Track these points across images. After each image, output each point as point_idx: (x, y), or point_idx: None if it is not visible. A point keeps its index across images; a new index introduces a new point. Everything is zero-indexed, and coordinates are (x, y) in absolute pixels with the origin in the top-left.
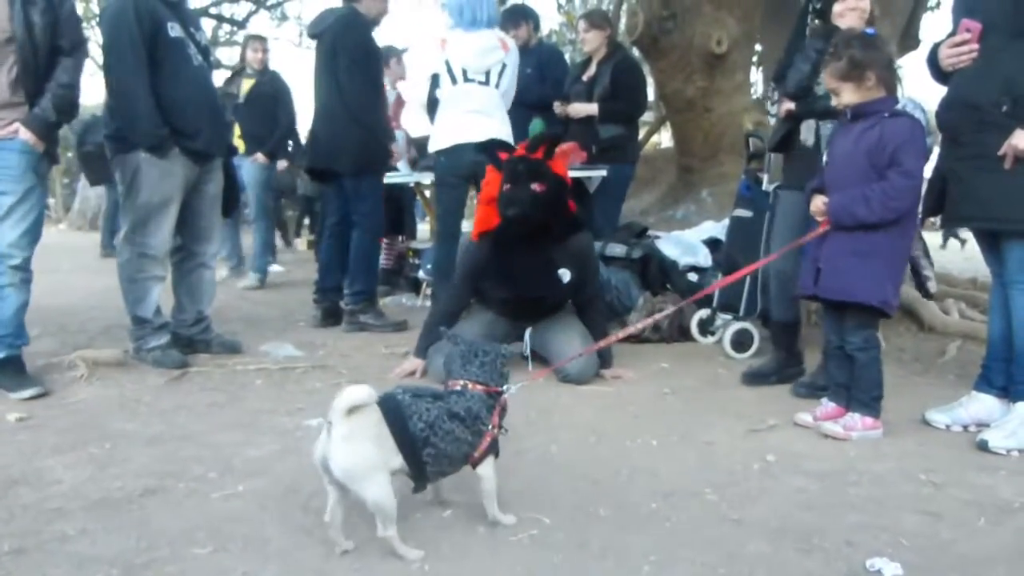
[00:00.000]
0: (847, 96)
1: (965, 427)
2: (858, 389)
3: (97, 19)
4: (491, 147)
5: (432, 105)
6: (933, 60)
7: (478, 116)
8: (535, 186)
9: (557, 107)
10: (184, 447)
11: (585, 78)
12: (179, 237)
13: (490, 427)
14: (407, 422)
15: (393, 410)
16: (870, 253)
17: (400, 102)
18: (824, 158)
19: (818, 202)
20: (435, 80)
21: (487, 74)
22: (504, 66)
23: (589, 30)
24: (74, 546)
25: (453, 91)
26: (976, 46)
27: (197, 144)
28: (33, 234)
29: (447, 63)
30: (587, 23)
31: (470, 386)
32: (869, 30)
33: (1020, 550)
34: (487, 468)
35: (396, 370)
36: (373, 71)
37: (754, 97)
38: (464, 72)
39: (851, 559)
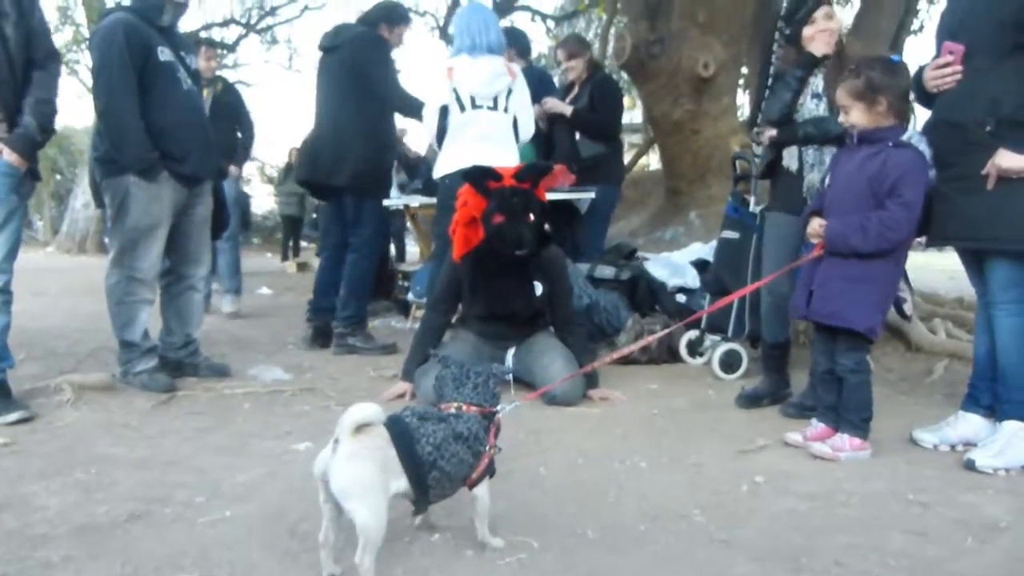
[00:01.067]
0: (855, 116)
1: (952, 447)
2: (847, 411)
3: (87, 42)
4: (476, 174)
5: (441, 136)
6: (918, 82)
7: (484, 143)
8: (529, 218)
9: (535, 109)
10: (171, 472)
11: (568, 100)
12: (168, 260)
13: (487, 448)
14: (415, 445)
15: (401, 433)
16: (862, 279)
17: None
18: (826, 180)
19: (815, 224)
20: (444, 111)
21: (495, 100)
22: (511, 91)
23: (571, 59)
24: (58, 573)
25: (461, 118)
26: (959, 68)
27: (186, 168)
28: (14, 256)
29: (455, 91)
30: (566, 52)
31: (465, 408)
32: (895, 57)
33: (1007, 569)
34: (483, 488)
35: (385, 393)
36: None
37: (741, 120)
38: (472, 99)
39: None
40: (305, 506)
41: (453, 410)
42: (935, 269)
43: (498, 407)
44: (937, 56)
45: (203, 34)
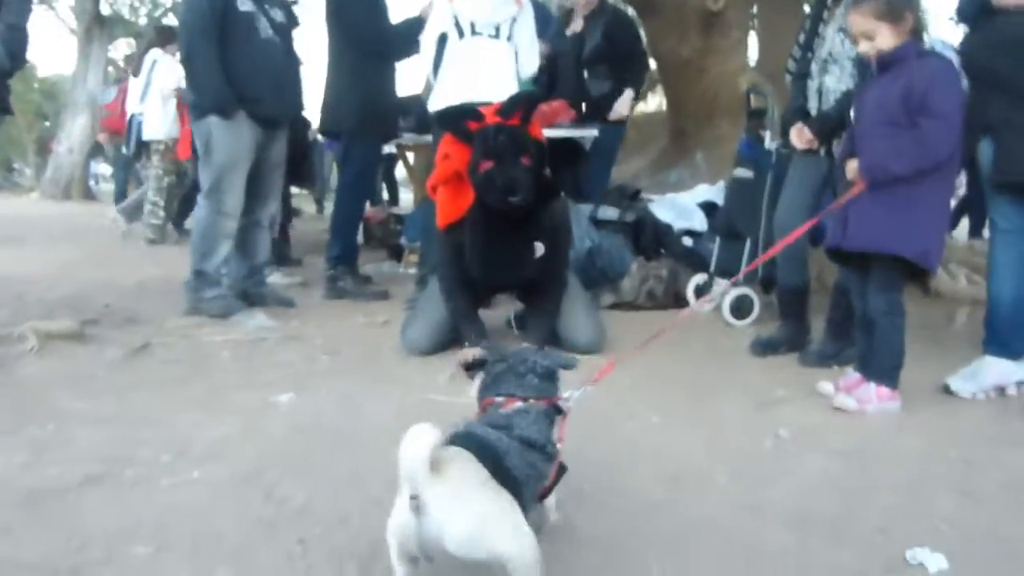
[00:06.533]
0: (883, 39)
1: (987, 394)
2: (877, 357)
3: None
4: (451, 115)
5: (438, 67)
6: None
7: (481, 73)
8: (524, 160)
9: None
10: (137, 428)
11: (569, 32)
12: None
13: (558, 446)
14: (504, 461)
15: (483, 448)
16: (907, 200)
17: None
18: (852, 115)
19: (853, 166)
20: (443, 40)
21: (497, 28)
22: (515, 20)
23: None
24: None
25: (459, 46)
26: None
27: (260, 109)
28: None
29: (455, 17)
30: None
31: (532, 402)
32: None
33: None
34: (552, 499)
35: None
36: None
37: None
38: (472, 25)
39: (888, 550)
40: (284, 466)
41: (519, 404)
42: None
43: (567, 395)
44: None
45: None
